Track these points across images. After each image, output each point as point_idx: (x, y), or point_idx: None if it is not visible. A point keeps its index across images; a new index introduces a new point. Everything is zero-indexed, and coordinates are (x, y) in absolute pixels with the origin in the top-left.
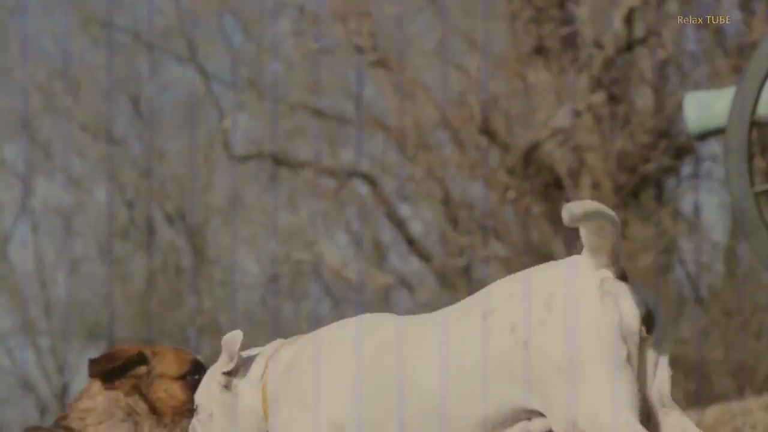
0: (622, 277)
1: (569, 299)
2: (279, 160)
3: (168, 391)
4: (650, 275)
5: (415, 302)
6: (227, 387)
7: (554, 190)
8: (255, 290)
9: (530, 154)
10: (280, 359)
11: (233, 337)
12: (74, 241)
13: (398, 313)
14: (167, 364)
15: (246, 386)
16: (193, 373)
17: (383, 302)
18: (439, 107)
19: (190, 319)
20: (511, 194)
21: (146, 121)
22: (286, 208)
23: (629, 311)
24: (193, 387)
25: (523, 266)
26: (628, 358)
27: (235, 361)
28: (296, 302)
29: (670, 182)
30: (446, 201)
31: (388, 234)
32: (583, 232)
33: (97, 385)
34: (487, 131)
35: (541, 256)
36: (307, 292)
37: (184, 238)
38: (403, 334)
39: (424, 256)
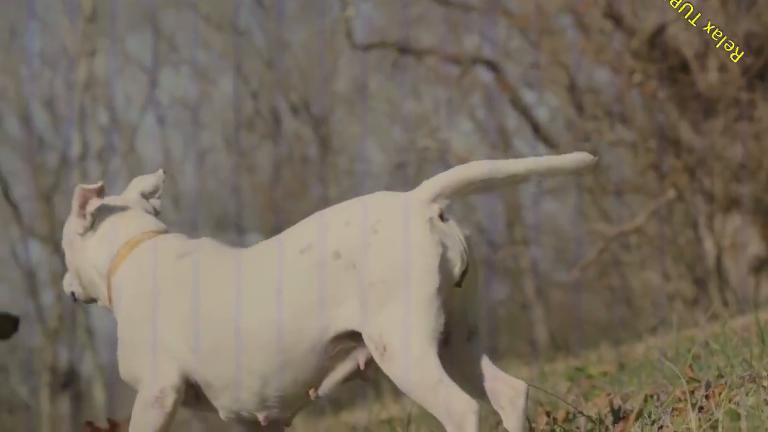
0: (441, 214)
1: (397, 224)
2: (403, 49)
3: None
4: None
5: (541, 188)
6: (77, 231)
7: (680, 73)
8: (381, 178)
9: (656, 37)
10: (139, 253)
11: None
12: (201, 133)
13: (526, 203)
14: None
15: (95, 244)
16: None
17: (509, 188)
18: None
19: (316, 208)
20: (637, 78)
21: (270, 12)
22: (411, 96)
23: (453, 253)
24: None
25: (650, 150)
26: (439, 291)
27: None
28: None
29: None
30: (571, 86)
31: (513, 120)
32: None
33: None
34: (612, 15)
35: (668, 139)
36: None
37: (310, 128)
38: (227, 273)
39: (550, 142)
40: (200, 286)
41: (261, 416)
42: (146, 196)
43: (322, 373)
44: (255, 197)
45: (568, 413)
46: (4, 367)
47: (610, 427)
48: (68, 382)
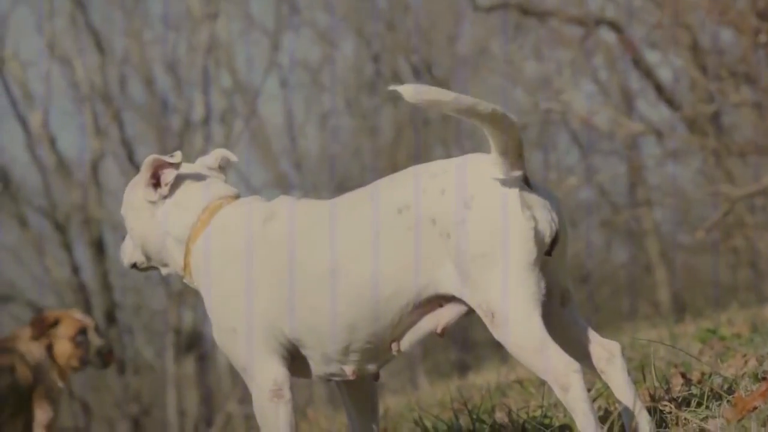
0: (526, 179)
1: (490, 201)
2: (525, 10)
3: (62, 347)
4: None
5: (665, 149)
6: (151, 199)
7: None
8: None
9: None
10: (220, 219)
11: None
12: (322, 96)
13: (649, 164)
14: (65, 327)
15: (170, 211)
16: (82, 335)
17: (632, 150)
18: None
19: None
20: (763, 38)
21: None
22: (533, 58)
23: (543, 224)
24: (80, 345)
25: None
26: (536, 261)
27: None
28: (545, 152)
29: None
30: (695, 47)
31: (636, 82)
32: (490, 132)
33: (27, 333)
34: None
35: None
36: (555, 142)
37: None
38: (321, 229)
39: (673, 103)
40: (294, 244)
41: (349, 370)
42: (212, 166)
43: (406, 328)
44: (377, 160)
45: (703, 374)
46: (129, 329)
47: (750, 387)
48: (192, 343)
